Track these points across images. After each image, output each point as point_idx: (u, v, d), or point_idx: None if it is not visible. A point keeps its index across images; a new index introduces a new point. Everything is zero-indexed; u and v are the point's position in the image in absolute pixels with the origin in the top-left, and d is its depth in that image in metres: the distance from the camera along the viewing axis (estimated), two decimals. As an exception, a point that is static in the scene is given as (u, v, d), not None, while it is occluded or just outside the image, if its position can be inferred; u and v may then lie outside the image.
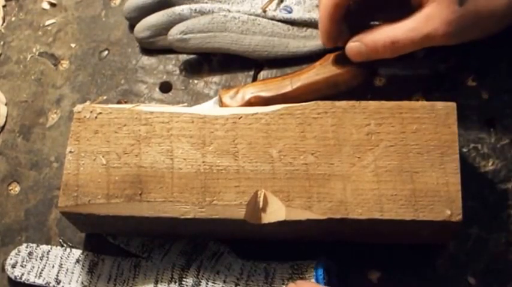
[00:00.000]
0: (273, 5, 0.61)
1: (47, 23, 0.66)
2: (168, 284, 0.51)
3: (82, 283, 0.53)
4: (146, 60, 0.63)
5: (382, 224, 0.47)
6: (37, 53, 0.65)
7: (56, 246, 0.55)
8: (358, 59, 0.54)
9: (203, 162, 0.49)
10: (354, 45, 0.53)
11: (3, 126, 0.62)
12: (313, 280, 0.48)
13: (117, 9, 0.66)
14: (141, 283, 0.52)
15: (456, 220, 0.46)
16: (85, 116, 0.52)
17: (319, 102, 0.50)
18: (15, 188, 0.59)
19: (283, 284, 0.49)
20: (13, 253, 0.55)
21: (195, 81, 0.61)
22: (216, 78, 0.61)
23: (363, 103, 0.50)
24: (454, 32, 0.50)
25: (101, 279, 0.53)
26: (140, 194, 0.49)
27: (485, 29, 0.52)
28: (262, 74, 0.60)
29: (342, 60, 0.55)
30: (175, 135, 0.51)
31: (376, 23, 0.56)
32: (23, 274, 0.54)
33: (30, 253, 0.55)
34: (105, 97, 0.62)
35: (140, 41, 0.62)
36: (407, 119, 0.49)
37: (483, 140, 0.54)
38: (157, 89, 0.61)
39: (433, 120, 0.48)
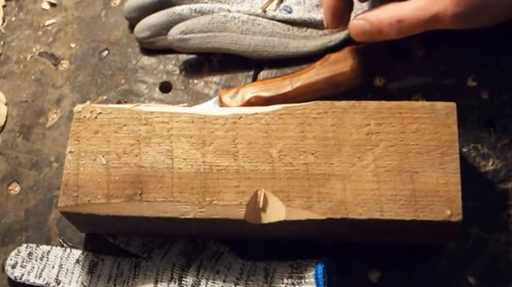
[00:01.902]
0: (273, 5, 0.61)
1: (47, 23, 0.66)
2: (168, 284, 0.51)
3: (82, 283, 0.53)
4: (146, 60, 0.63)
5: (382, 224, 0.47)
6: (37, 53, 0.65)
7: (56, 246, 0.55)
8: (362, 38, 0.52)
9: (203, 162, 0.49)
10: (358, 23, 0.52)
11: (3, 126, 0.62)
12: (313, 280, 0.48)
13: (117, 9, 0.66)
14: (141, 283, 0.52)
15: (456, 220, 0.46)
16: (85, 116, 0.52)
17: (319, 102, 0.50)
18: (15, 188, 0.59)
19: (282, 283, 0.49)
20: (13, 253, 0.55)
21: (195, 81, 0.61)
22: (216, 78, 0.61)
23: (363, 103, 0.50)
24: (462, 14, 0.49)
25: (101, 279, 0.53)
26: (140, 194, 0.49)
27: (494, 14, 0.51)
28: (262, 74, 0.60)
29: (342, 60, 0.55)
30: (175, 135, 0.51)
31: None
32: (23, 275, 0.54)
33: (30, 254, 0.55)
34: (105, 97, 0.61)
35: (140, 41, 0.62)
36: (407, 119, 0.49)
37: (483, 140, 0.54)
38: (157, 89, 0.61)
39: (433, 120, 0.48)
